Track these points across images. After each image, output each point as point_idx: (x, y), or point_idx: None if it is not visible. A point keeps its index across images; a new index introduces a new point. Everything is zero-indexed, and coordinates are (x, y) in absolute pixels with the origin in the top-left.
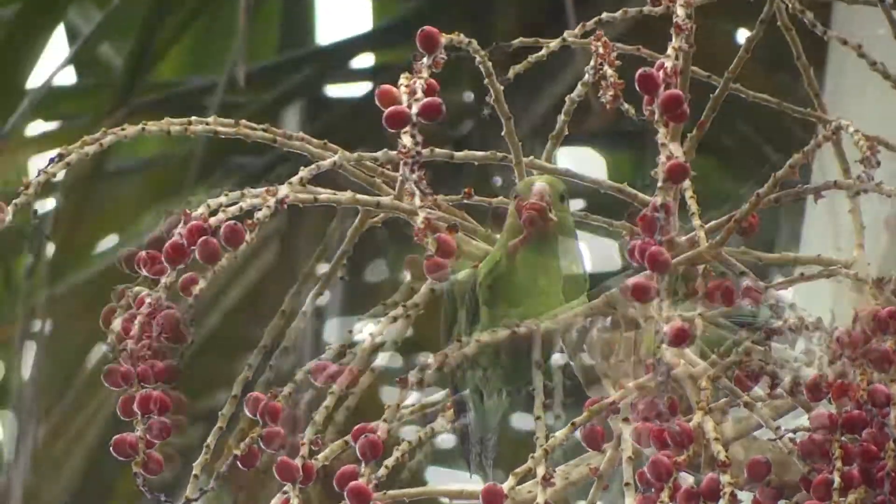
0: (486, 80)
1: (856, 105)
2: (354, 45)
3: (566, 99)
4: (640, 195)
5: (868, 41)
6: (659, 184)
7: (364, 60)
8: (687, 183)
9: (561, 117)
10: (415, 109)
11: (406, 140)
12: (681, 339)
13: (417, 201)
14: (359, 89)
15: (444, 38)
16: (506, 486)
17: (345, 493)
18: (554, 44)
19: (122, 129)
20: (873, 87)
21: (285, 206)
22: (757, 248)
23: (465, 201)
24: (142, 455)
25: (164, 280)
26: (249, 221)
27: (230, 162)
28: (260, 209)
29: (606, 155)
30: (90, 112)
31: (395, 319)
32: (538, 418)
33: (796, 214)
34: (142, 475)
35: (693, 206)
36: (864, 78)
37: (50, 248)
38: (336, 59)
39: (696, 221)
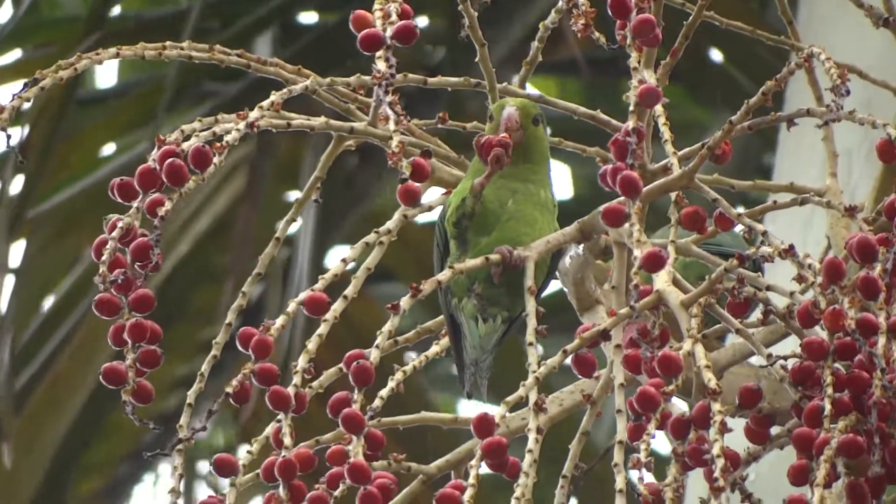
0: (460, 6)
1: (829, 34)
2: None
3: (539, 25)
4: (614, 121)
5: None
6: (630, 108)
7: None
8: (660, 109)
9: (534, 44)
10: (389, 32)
11: (380, 64)
12: (654, 264)
13: (392, 125)
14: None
15: None
16: (497, 414)
17: (339, 420)
18: None
19: (97, 54)
20: (847, 16)
21: (256, 129)
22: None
23: (440, 126)
24: (132, 383)
25: (135, 204)
26: (218, 145)
27: (202, 89)
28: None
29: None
30: (60, 43)
31: (367, 245)
32: (530, 345)
33: (769, 145)
34: (132, 403)
35: (666, 133)
36: (838, 7)
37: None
38: None
39: (669, 148)
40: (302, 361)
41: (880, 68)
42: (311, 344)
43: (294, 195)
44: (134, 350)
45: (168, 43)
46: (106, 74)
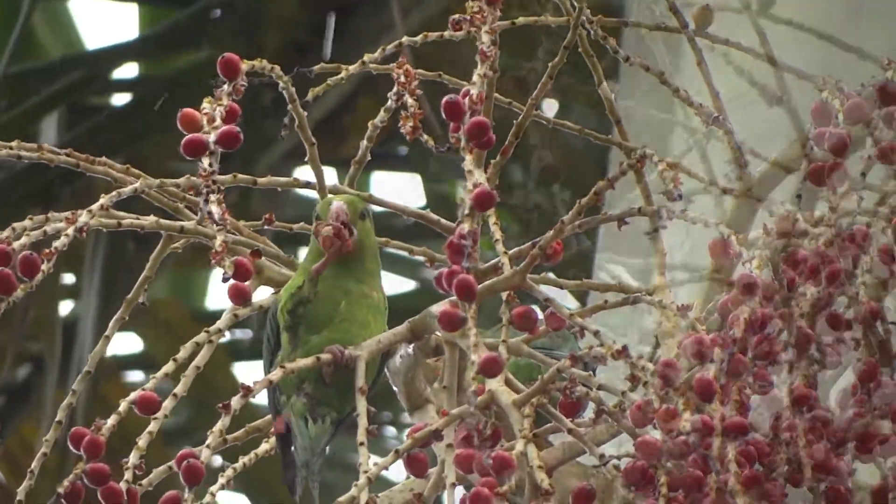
0: (289, 106)
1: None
2: (118, 54)
3: (369, 124)
4: (443, 221)
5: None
6: (465, 211)
7: (127, 70)
8: (490, 210)
9: (363, 143)
10: (213, 137)
11: (206, 162)
12: (491, 368)
13: (215, 226)
14: (120, 99)
15: (245, 65)
16: None
17: None
18: (353, 68)
19: None
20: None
21: (84, 234)
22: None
23: (266, 227)
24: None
25: None
26: (47, 251)
27: None
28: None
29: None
30: None
31: (197, 345)
32: (361, 444)
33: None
34: None
35: (497, 232)
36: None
37: None
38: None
39: (500, 248)
40: (133, 458)
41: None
42: (142, 441)
43: (70, 278)
44: None
45: None
46: None
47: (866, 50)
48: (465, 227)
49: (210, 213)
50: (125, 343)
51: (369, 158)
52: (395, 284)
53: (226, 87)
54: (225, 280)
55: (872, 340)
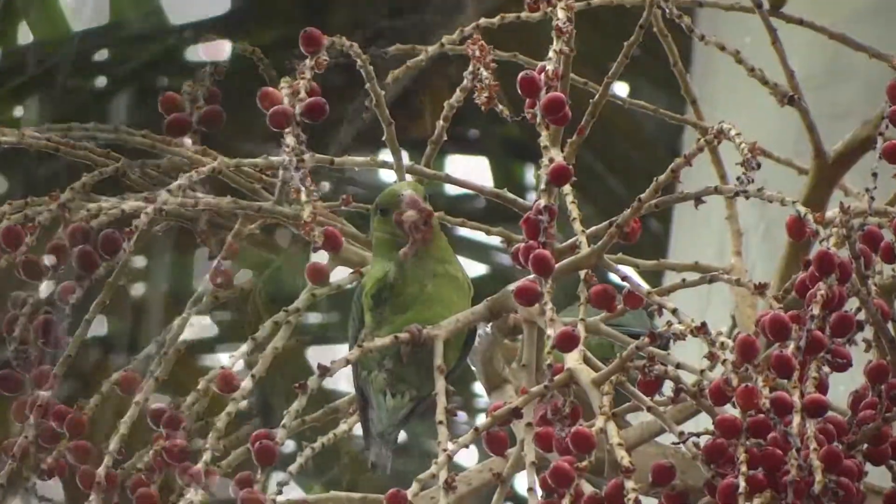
0: (367, 85)
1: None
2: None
3: (444, 104)
4: (520, 200)
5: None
6: (542, 186)
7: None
8: (567, 188)
9: (439, 122)
10: (298, 109)
11: (289, 140)
12: (568, 343)
13: (304, 196)
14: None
15: (325, 40)
16: (410, 492)
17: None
18: (432, 49)
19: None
20: (739, 94)
21: (164, 213)
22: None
23: (343, 207)
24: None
25: (43, 284)
26: (127, 229)
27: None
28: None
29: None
30: None
31: (276, 324)
32: (440, 423)
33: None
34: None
35: (574, 211)
36: (730, 87)
37: None
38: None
39: (578, 226)
40: (211, 439)
41: (776, 148)
42: (220, 422)
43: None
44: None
45: (73, 124)
46: None
47: (877, 49)
48: (542, 202)
49: (299, 183)
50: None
51: (444, 139)
52: (466, 268)
53: (308, 61)
54: (315, 250)
55: None
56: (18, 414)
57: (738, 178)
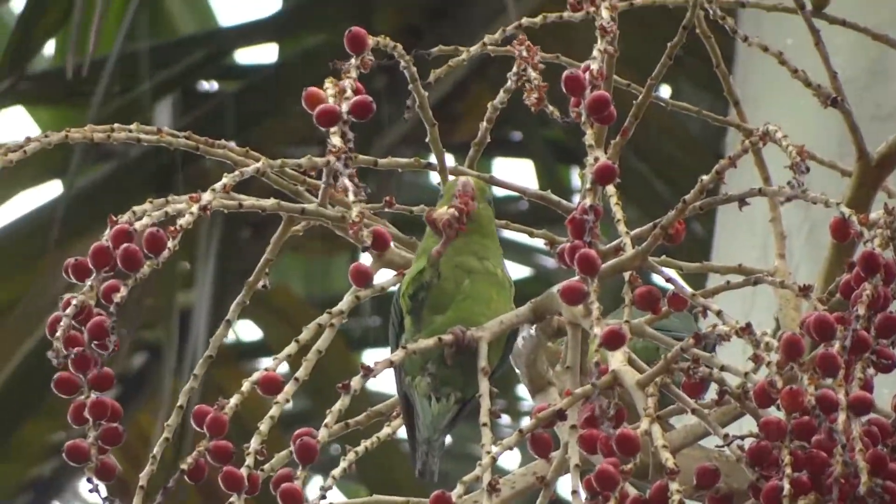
0: (410, 86)
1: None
2: (229, 39)
3: (488, 105)
4: (564, 202)
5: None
6: (587, 185)
7: (238, 56)
8: (612, 189)
9: (483, 124)
10: (345, 108)
11: (335, 139)
12: (615, 341)
13: (351, 196)
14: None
15: (370, 41)
16: (454, 494)
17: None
18: (474, 49)
19: (45, 136)
20: (780, 96)
21: (208, 212)
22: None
23: (386, 210)
24: (95, 461)
25: (88, 283)
26: (172, 228)
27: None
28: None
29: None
30: None
31: (319, 326)
32: (484, 425)
33: (707, 223)
34: (94, 480)
35: (618, 212)
36: (770, 88)
37: None
38: (213, 53)
39: (622, 228)
40: (254, 443)
41: (819, 149)
42: (264, 425)
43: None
44: (95, 427)
45: (116, 126)
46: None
47: None
48: (587, 201)
49: (347, 182)
50: (240, 331)
51: (488, 140)
52: (510, 270)
53: (353, 60)
54: (364, 250)
55: None
56: (76, 416)
57: (788, 183)
